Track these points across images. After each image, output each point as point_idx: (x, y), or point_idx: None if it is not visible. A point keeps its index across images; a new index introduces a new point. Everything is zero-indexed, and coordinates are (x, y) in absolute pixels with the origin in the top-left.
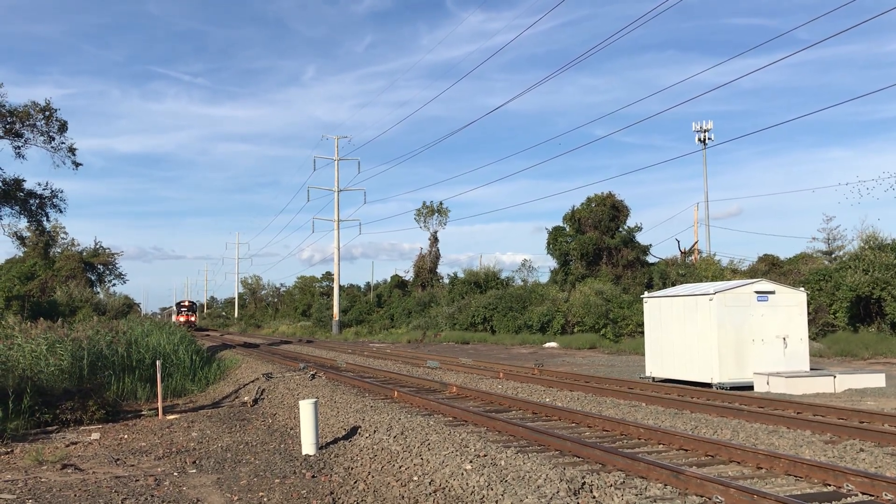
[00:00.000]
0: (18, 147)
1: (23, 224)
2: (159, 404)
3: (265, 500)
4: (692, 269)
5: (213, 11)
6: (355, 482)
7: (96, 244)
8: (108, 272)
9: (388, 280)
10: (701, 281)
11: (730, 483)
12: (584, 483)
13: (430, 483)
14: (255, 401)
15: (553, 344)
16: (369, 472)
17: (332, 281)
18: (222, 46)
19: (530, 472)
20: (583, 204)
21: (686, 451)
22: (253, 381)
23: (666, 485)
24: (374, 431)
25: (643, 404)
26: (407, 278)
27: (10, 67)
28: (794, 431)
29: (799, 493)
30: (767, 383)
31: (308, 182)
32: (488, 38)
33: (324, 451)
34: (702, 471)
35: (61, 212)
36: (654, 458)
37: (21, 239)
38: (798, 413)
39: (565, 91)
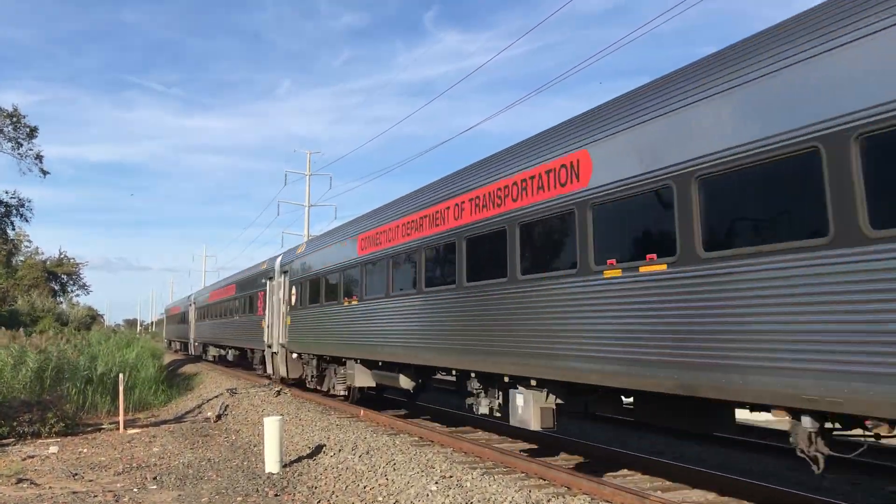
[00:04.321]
0: None
1: None
2: (121, 418)
3: None
4: None
5: (189, 21)
6: (319, 502)
7: (61, 254)
8: (71, 282)
9: None
10: None
11: None
12: None
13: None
14: (219, 416)
15: None
16: (333, 492)
17: None
18: (198, 57)
19: (496, 495)
20: None
21: (651, 475)
22: (217, 397)
23: None
24: (340, 450)
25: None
26: None
27: None
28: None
29: None
30: None
31: (278, 196)
32: (465, 59)
33: (288, 469)
34: (667, 495)
35: (27, 221)
36: (619, 482)
37: None
38: None
39: (540, 114)
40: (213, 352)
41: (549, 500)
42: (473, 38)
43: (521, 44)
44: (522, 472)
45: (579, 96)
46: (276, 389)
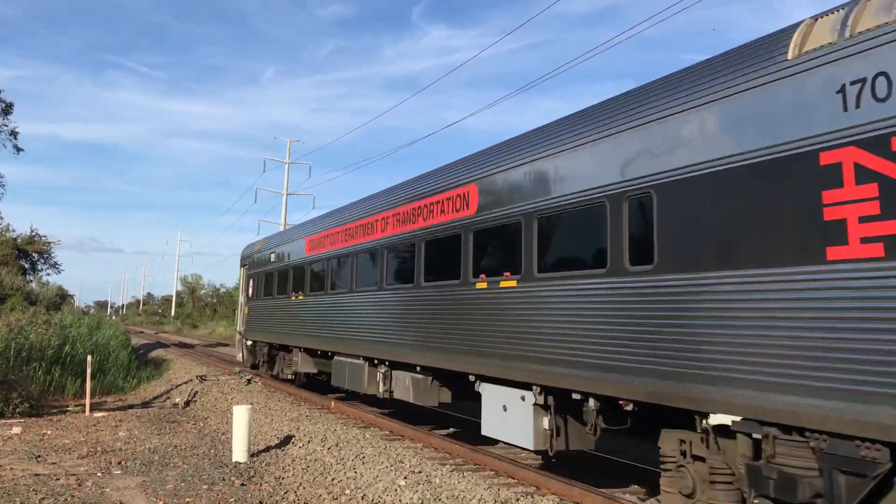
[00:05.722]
0: None
1: None
2: (87, 401)
3: None
4: None
5: (176, 4)
6: (285, 493)
7: (32, 231)
8: (42, 261)
9: None
10: None
11: None
12: None
13: (362, 498)
14: (187, 403)
15: None
16: (300, 483)
17: None
18: (183, 41)
19: (465, 492)
20: None
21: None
22: (186, 383)
23: None
24: (309, 442)
25: None
26: None
27: None
28: None
29: None
30: None
31: (257, 183)
32: (451, 54)
33: (255, 458)
34: (635, 498)
35: None
36: (589, 482)
37: None
38: None
39: (524, 112)
40: None
41: (517, 500)
42: (461, 33)
43: (507, 41)
44: (492, 471)
45: (564, 97)
46: (247, 378)
